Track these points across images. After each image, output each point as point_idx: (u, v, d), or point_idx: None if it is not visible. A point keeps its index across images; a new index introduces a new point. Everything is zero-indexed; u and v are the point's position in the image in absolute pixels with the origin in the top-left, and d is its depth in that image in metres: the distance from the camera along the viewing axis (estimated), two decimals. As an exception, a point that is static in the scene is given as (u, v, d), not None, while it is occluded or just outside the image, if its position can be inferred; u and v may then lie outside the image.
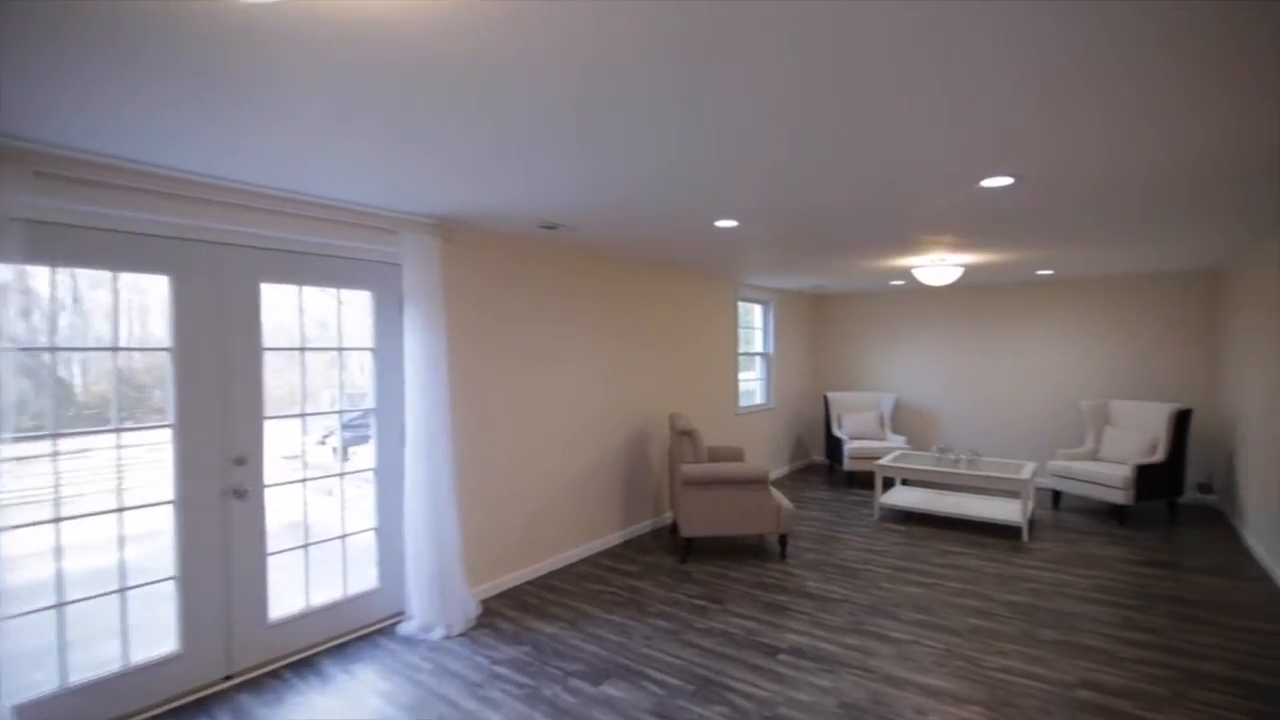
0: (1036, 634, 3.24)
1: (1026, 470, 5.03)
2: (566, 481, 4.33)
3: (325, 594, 3.19)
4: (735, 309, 6.36)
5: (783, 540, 4.42)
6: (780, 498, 4.44)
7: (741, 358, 6.67)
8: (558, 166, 2.47)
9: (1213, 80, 1.68)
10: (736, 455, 4.99)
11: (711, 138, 2.16)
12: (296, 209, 2.82)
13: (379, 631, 3.31)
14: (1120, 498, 5.08)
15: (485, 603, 3.67)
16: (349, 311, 3.35)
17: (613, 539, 4.74)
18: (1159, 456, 5.18)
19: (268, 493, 2.92)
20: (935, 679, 2.81)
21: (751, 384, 6.97)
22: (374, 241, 3.15)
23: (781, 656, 3.02)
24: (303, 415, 3.12)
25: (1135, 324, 6.13)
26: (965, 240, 4.03)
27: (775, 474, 7.12)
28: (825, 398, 7.04)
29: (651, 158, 2.38)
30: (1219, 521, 5.24)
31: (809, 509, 5.72)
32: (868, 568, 4.21)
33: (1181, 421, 5.19)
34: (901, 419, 7.44)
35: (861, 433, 6.86)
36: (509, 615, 3.53)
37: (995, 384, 6.85)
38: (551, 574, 4.14)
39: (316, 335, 3.21)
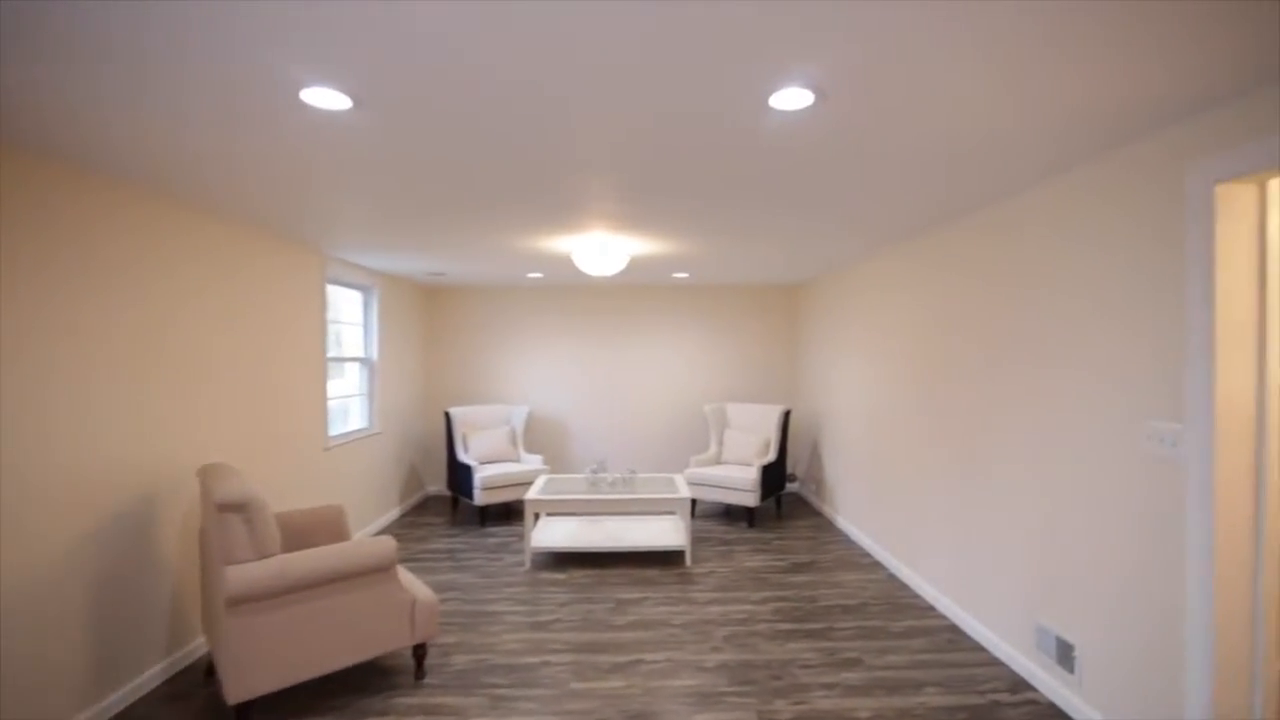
0: (773, 713, 2.53)
1: (682, 486, 4.61)
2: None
3: None
4: (324, 294, 4.36)
5: (420, 653, 2.81)
6: (415, 587, 2.83)
7: (332, 364, 4.68)
8: None
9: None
10: (334, 523, 3.13)
11: None
12: None
13: None
14: (749, 500, 5.14)
15: None
16: None
17: (62, 735, 2.33)
18: (772, 456, 5.47)
19: None
20: None
21: (347, 401, 5.01)
22: None
23: None
24: None
25: (744, 329, 6.57)
26: (668, 216, 3.20)
27: (384, 520, 5.29)
28: (447, 414, 5.59)
29: None
30: (809, 508, 5.84)
31: (439, 569, 4.19)
32: (545, 662, 2.97)
33: (786, 421, 5.59)
34: (534, 435, 6.52)
35: (493, 455, 5.65)
36: None
37: (628, 392, 6.54)
38: None
39: None
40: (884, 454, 4.30)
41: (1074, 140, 2.13)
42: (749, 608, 3.58)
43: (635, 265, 4.94)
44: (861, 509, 4.73)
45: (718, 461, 5.78)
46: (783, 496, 6.25)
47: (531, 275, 5.51)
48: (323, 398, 4.32)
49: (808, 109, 1.85)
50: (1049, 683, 2.60)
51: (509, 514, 5.61)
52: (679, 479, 4.80)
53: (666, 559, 4.40)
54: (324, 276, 4.35)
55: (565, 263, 4.78)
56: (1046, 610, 2.63)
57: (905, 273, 3.98)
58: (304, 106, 1.83)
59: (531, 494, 4.34)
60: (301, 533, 3.06)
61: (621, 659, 2.98)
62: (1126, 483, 2.21)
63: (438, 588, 3.87)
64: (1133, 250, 2.18)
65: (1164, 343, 2.05)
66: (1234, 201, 1.88)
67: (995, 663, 2.91)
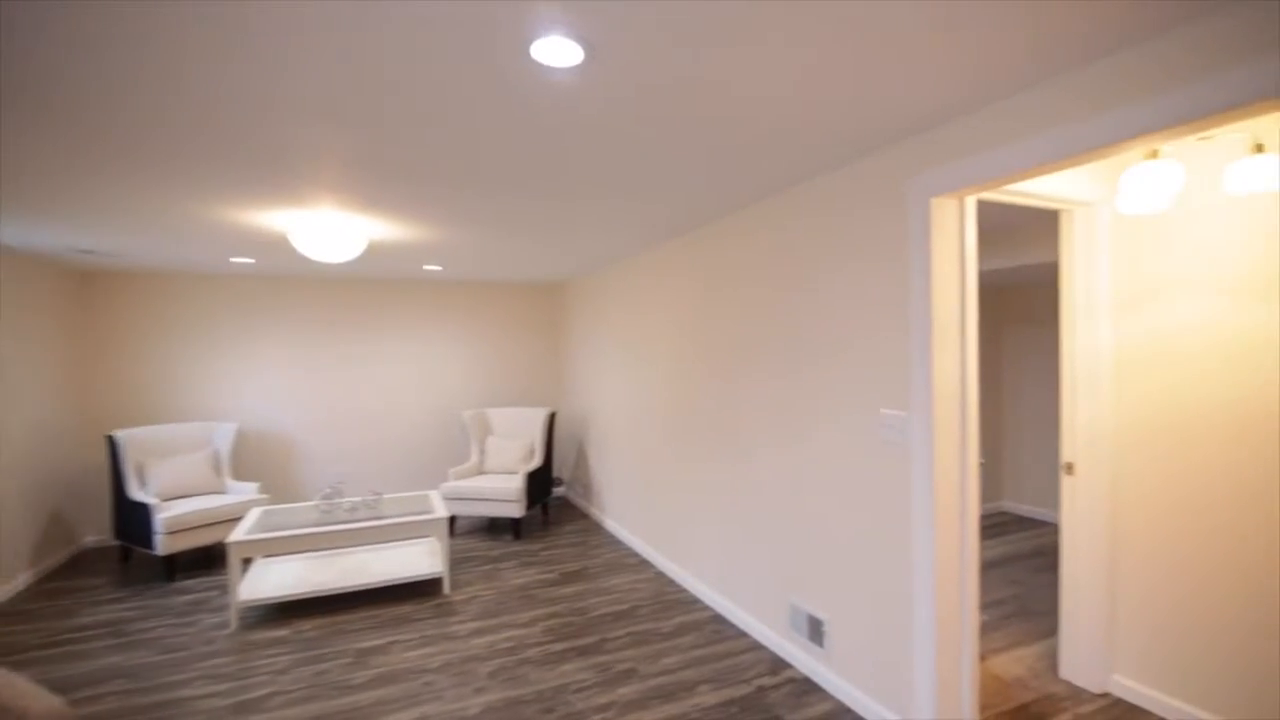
0: (548, 757, 2.26)
1: (438, 503, 4.08)
2: None
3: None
4: None
5: (39, 793, 1.92)
6: (29, 697, 1.93)
7: (-107, 380, 3.15)
8: None
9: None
10: None
11: None
12: None
13: None
14: (515, 510, 4.80)
15: None
16: None
17: None
18: (538, 461, 5.21)
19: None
20: None
21: (-74, 432, 3.44)
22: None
23: None
24: None
25: (507, 329, 6.18)
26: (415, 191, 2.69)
27: (6, 594, 3.76)
28: (111, 440, 4.22)
29: None
30: (577, 511, 5.71)
31: (94, 652, 3.06)
32: (254, 755, 2.29)
33: (551, 424, 5.38)
34: (248, 459, 5.31)
35: (185, 487, 4.42)
36: None
37: (373, 401, 5.69)
38: None
39: None
40: (647, 451, 4.33)
41: (833, 143, 2.24)
42: (517, 632, 3.25)
43: (376, 253, 4.26)
44: (628, 508, 4.72)
45: (480, 471, 5.34)
46: (550, 503, 6.03)
47: (237, 260, 4.44)
48: None
49: (578, 68, 1.60)
50: (804, 659, 2.76)
51: (211, 561, 4.45)
52: (435, 495, 4.26)
53: (421, 589, 3.85)
54: None
55: (284, 245, 3.91)
56: (799, 589, 2.79)
57: (668, 271, 4.03)
58: None
59: (236, 535, 3.44)
60: None
61: (362, 729, 2.43)
62: (866, 466, 2.40)
63: (91, 678, 2.81)
64: (875, 253, 2.37)
65: (896, 337, 2.25)
66: (944, 213, 2.12)
67: (758, 646, 3.03)
